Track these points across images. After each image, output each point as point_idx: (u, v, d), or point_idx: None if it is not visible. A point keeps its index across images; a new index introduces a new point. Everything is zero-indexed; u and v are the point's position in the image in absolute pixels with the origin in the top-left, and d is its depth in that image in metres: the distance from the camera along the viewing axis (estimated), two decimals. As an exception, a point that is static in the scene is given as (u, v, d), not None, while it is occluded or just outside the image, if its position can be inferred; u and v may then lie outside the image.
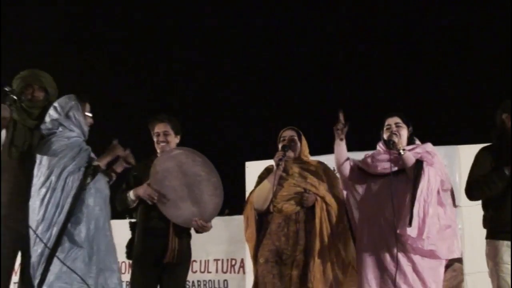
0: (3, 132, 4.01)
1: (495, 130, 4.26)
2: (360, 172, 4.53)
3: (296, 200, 4.45)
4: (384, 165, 4.38)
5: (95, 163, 4.00)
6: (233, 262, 7.04)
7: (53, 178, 3.88)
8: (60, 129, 4.05)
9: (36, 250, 3.81)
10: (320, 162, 4.69)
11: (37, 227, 3.84)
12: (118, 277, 4.02)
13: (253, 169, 6.23)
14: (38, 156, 3.97)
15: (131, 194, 4.45)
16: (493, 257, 4.00)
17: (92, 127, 4.27)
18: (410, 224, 4.10)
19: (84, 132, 4.16)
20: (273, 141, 4.69)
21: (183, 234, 4.51)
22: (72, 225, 3.82)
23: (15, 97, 3.90)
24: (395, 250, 4.21)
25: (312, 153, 4.79)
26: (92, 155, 4.10)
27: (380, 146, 4.52)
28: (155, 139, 4.65)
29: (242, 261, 6.93)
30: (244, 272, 6.88)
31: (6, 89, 3.86)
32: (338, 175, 4.67)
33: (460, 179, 5.71)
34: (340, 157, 4.50)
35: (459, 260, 5.57)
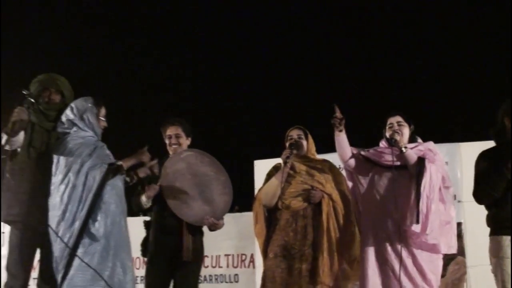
0: (22, 133, 4.08)
1: (494, 128, 4.25)
2: (364, 161, 4.53)
3: (304, 197, 4.49)
4: (387, 157, 4.40)
5: (119, 162, 4.08)
6: (243, 257, 7.12)
7: (71, 175, 3.95)
8: (74, 129, 4.13)
9: (59, 245, 3.89)
10: (326, 160, 4.72)
11: (59, 223, 3.90)
12: (132, 272, 4.08)
13: (262, 167, 6.31)
14: (55, 156, 4.04)
15: (143, 198, 4.51)
16: (496, 253, 3.92)
17: (105, 129, 4.33)
18: (417, 221, 4.15)
19: (97, 134, 4.23)
20: (280, 140, 4.74)
21: (196, 232, 4.59)
22: (91, 221, 3.89)
23: (32, 100, 4.00)
24: (397, 244, 4.27)
25: (319, 151, 4.82)
26: (108, 151, 4.17)
27: (383, 144, 4.56)
28: (167, 142, 4.72)
29: (252, 256, 7.01)
30: (254, 267, 6.96)
31: (24, 92, 3.95)
32: (343, 172, 4.73)
33: (462, 176, 5.80)
34: (343, 148, 4.49)
35: (462, 253, 5.62)
